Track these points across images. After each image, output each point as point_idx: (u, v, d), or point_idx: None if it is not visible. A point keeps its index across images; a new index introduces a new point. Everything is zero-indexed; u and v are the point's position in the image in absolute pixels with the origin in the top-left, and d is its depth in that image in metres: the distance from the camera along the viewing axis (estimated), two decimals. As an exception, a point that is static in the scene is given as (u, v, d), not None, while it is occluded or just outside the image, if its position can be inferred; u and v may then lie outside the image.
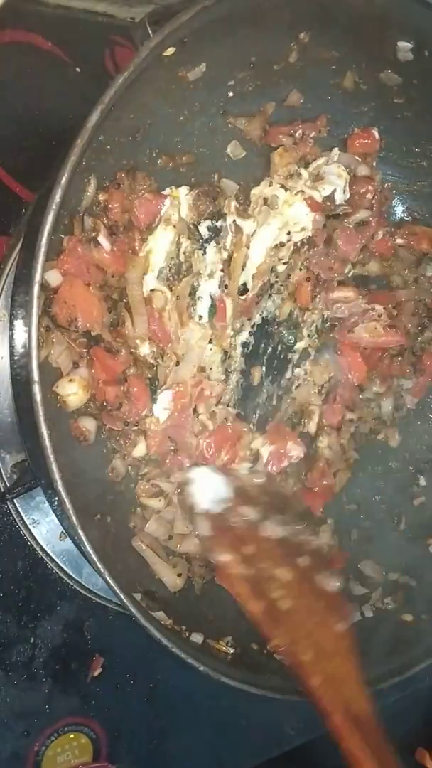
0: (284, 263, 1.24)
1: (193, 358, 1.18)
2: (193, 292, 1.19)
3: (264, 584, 1.05)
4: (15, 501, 1.23)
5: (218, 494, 1.14)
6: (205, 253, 1.19)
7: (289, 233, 1.22)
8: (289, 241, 1.23)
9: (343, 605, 1.10)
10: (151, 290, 1.15)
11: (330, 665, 0.99)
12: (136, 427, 1.14)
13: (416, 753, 1.48)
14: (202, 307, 1.21)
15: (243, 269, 1.22)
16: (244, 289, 1.23)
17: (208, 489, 1.15)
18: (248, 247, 1.21)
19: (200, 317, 1.21)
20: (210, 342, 1.21)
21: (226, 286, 1.20)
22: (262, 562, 1.06)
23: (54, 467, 0.85)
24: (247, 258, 1.21)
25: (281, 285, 1.25)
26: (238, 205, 1.21)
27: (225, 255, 1.20)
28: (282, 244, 1.22)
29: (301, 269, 1.25)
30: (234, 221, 1.20)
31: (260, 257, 1.22)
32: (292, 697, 1.04)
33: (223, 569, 1.07)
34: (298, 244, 1.24)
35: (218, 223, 1.20)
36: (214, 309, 1.21)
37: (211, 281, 1.21)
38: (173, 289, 1.17)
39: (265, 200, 1.21)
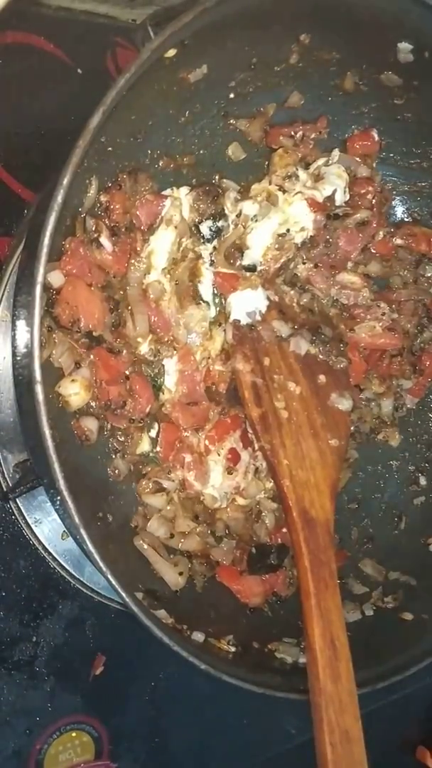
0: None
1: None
2: (193, 277, 1.20)
3: (271, 393, 1.15)
4: (17, 500, 1.24)
5: (254, 307, 1.22)
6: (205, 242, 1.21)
7: (288, 230, 1.22)
8: (291, 237, 1.23)
9: (347, 427, 1.19)
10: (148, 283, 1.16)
11: (304, 473, 1.10)
12: (140, 424, 1.14)
13: (417, 751, 1.49)
14: (205, 290, 1.21)
15: (247, 249, 1.22)
16: (251, 267, 1.24)
17: (246, 301, 1.22)
18: (245, 227, 1.21)
19: (203, 300, 1.21)
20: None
21: (212, 262, 1.21)
22: (278, 374, 1.17)
23: (56, 467, 0.85)
24: (244, 236, 1.22)
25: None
26: (238, 197, 1.22)
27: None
28: (288, 231, 1.23)
29: (304, 263, 1.26)
30: (234, 202, 1.21)
31: (268, 239, 1.23)
32: (293, 696, 1.04)
33: (237, 375, 1.18)
34: (299, 244, 1.24)
35: (219, 224, 1.21)
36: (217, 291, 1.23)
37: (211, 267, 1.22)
38: (172, 274, 1.17)
39: (267, 195, 1.22)
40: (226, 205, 1.20)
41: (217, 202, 1.19)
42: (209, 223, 1.20)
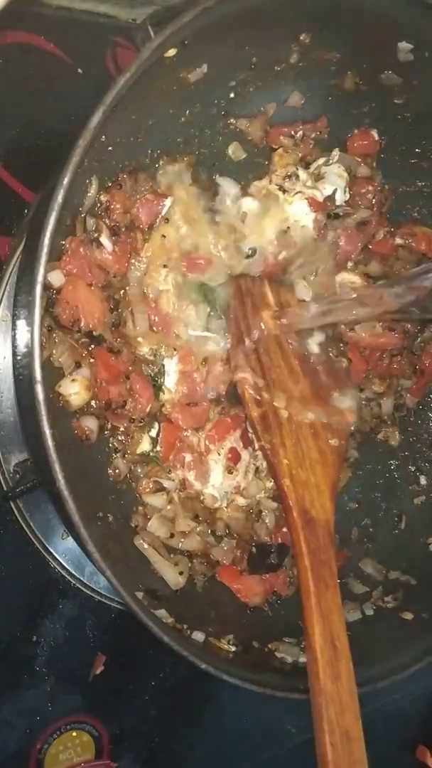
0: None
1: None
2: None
3: (271, 393, 1.15)
4: (18, 500, 1.24)
5: None
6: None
7: (289, 228, 1.22)
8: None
9: (347, 427, 1.19)
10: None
11: (304, 472, 1.10)
12: (141, 424, 1.14)
13: (417, 751, 1.49)
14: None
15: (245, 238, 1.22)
16: (253, 253, 1.23)
17: None
18: (243, 221, 1.21)
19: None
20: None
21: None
22: (278, 373, 1.17)
23: (56, 467, 0.85)
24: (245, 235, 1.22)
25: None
26: (238, 196, 1.22)
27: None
28: (288, 230, 1.22)
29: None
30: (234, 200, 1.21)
31: (271, 234, 1.22)
32: (293, 696, 1.04)
33: (237, 374, 1.18)
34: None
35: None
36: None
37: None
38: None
39: (267, 195, 1.22)
40: (226, 204, 1.20)
41: (217, 201, 1.19)
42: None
